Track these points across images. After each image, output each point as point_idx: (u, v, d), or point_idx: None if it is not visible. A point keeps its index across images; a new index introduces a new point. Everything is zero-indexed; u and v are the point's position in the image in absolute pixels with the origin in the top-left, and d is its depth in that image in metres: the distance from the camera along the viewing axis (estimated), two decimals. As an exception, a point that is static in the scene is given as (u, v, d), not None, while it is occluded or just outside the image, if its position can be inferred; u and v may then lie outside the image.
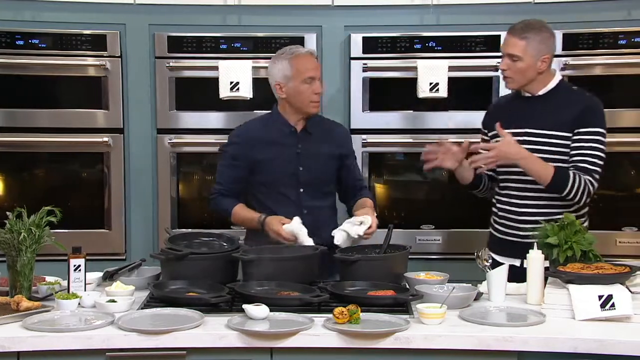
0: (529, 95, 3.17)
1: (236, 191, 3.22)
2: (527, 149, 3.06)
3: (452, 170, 3.22)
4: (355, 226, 3.01)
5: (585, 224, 3.16)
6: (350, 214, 3.23)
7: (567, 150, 3.07)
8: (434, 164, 3.19)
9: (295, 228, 3.00)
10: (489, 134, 3.26)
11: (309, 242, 2.98)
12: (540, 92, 3.15)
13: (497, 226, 3.23)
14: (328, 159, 3.24)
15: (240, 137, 3.23)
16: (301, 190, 3.19)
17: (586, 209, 3.17)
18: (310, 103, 3.15)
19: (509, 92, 3.95)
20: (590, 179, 3.02)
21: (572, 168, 3.03)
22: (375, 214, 3.11)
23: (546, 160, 3.05)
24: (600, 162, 3.05)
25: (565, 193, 3.01)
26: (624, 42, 3.86)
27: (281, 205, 3.16)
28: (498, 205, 3.24)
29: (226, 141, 3.29)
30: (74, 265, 2.75)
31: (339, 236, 3.01)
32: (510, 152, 3.01)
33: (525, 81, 3.13)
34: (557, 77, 3.17)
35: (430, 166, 3.21)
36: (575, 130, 3.05)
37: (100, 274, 2.97)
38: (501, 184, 3.22)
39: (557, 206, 3.07)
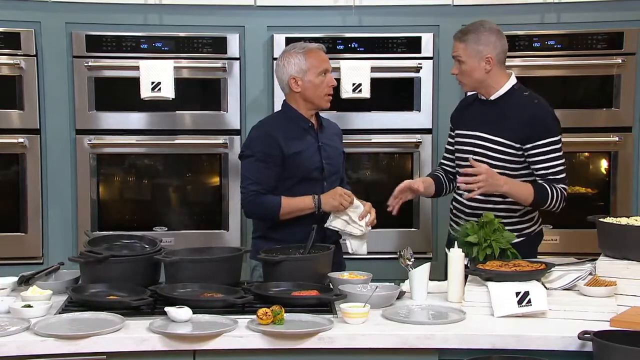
0: (484, 98, 3.20)
1: (273, 188, 3.15)
2: (475, 152, 3.13)
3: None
4: (352, 224, 3.13)
5: (539, 228, 3.23)
6: None
7: (512, 158, 3.09)
8: (397, 205, 3.23)
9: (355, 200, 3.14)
10: (455, 130, 3.31)
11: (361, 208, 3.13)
12: (493, 97, 3.17)
13: (455, 226, 3.25)
14: (340, 154, 3.34)
15: (264, 136, 3.18)
16: (325, 183, 3.21)
17: (536, 213, 3.21)
18: (325, 96, 3.21)
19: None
20: (562, 185, 3.08)
21: (541, 181, 3.07)
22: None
23: (491, 166, 3.06)
24: (564, 167, 3.10)
25: (546, 207, 3.09)
26: (538, 44, 3.98)
27: None
28: (454, 203, 3.29)
29: (246, 143, 3.23)
30: (-12, 271, 2.66)
31: (354, 245, 3.16)
32: (496, 183, 3.00)
33: (475, 82, 3.16)
34: (511, 81, 3.17)
35: (396, 208, 3.24)
36: (531, 144, 3.06)
37: (16, 278, 2.88)
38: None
39: (510, 209, 3.13)
